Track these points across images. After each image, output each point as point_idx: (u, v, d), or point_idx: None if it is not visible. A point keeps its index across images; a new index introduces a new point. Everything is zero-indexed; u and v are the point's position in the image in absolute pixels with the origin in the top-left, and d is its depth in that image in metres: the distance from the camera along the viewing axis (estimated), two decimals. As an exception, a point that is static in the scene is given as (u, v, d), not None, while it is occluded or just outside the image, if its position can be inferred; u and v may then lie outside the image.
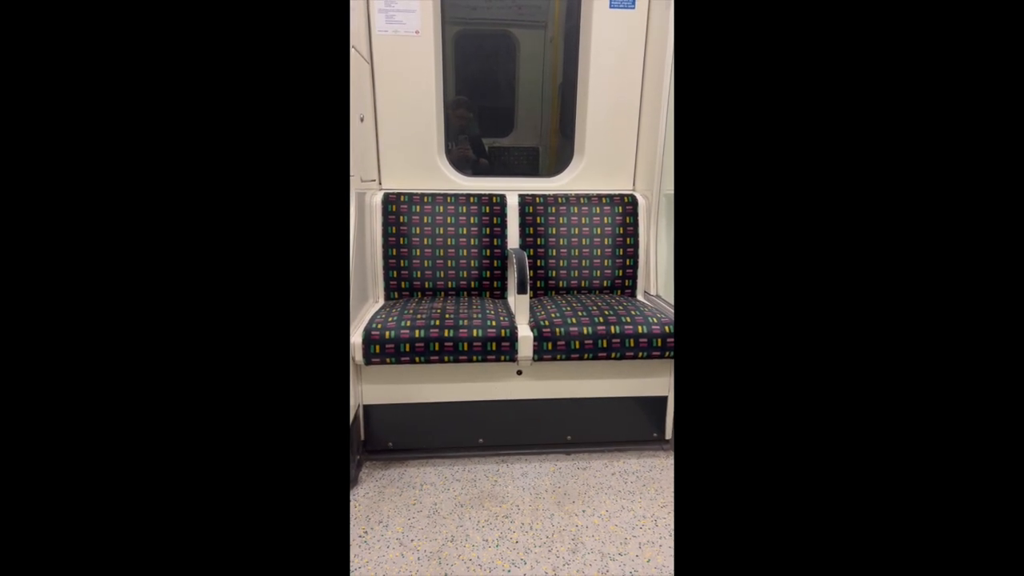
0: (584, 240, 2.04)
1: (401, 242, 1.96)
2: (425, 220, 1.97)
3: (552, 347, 1.61)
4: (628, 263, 2.06)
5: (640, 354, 1.64)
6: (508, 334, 1.60)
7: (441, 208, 1.99)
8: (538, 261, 2.03)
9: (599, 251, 2.04)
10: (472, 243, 1.99)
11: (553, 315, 1.69)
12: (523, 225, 2.02)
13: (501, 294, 2.03)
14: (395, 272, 1.97)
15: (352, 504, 1.52)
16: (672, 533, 1.42)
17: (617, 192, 2.12)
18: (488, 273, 2.01)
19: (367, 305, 1.89)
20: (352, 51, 1.61)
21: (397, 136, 2.03)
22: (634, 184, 2.18)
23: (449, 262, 1.98)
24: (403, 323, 1.60)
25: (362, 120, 1.80)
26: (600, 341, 1.62)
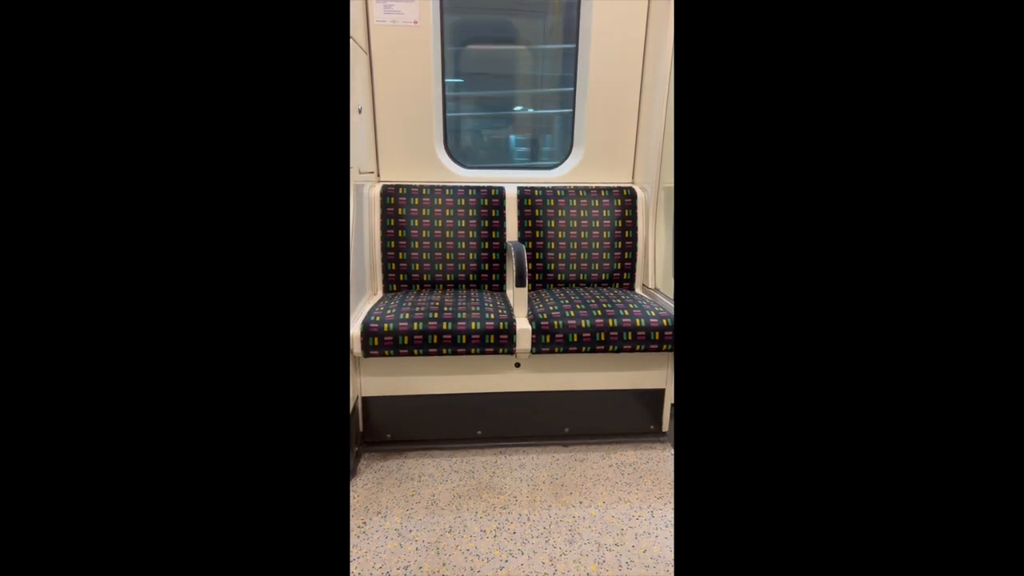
0: (583, 233, 2.03)
1: (399, 234, 1.96)
2: (423, 212, 1.97)
3: (550, 340, 1.62)
4: (626, 256, 2.06)
5: (638, 347, 1.64)
6: (506, 327, 1.60)
7: (440, 200, 1.98)
8: (536, 254, 2.02)
9: (597, 244, 2.04)
10: (471, 235, 1.99)
11: (551, 308, 1.69)
12: (522, 218, 2.02)
13: (500, 287, 2.03)
14: (393, 264, 1.96)
15: (351, 495, 1.53)
16: (668, 524, 1.43)
17: (616, 185, 2.12)
18: (487, 266, 2.01)
19: (365, 297, 1.89)
20: (350, 42, 1.60)
21: (395, 127, 2.02)
22: (633, 177, 2.18)
23: (448, 255, 1.98)
24: (401, 315, 1.60)
25: (360, 112, 1.79)
26: (598, 334, 1.62)
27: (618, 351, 1.65)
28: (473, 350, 1.60)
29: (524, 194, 2.03)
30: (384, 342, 1.56)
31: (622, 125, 2.11)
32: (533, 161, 2.46)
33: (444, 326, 1.58)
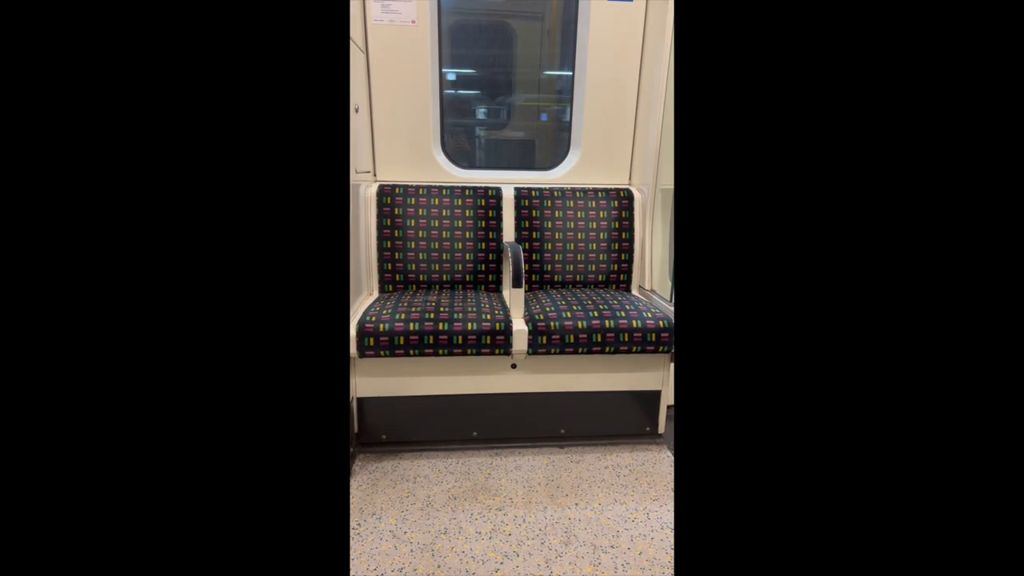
0: (580, 234, 2.03)
1: (396, 235, 1.95)
2: (420, 212, 1.96)
3: (546, 341, 1.62)
4: (623, 258, 2.06)
5: (634, 348, 1.64)
6: (503, 328, 1.60)
7: (436, 200, 1.98)
8: (533, 255, 2.02)
9: (594, 245, 2.04)
10: (467, 236, 1.98)
11: (548, 309, 1.69)
12: (519, 219, 2.02)
13: (496, 288, 2.03)
14: (390, 265, 1.96)
15: (345, 496, 1.53)
16: (664, 526, 1.43)
17: (613, 186, 2.12)
18: (483, 267, 2.00)
19: (361, 298, 1.88)
20: None
21: (392, 127, 2.02)
22: (630, 178, 2.18)
23: (444, 255, 1.97)
24: (397, 316, 1.59)
25: (357, 111, 1.78)
26: (594, 335, 1.62)
27: (614, 352, 1.65)
28: (469, 351, 1.59)
29: (521, 195, 2.02)
30: (380, 343, 1.56)
31: (619, 127, 2.11)
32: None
33: (440, 327, 1.57)
